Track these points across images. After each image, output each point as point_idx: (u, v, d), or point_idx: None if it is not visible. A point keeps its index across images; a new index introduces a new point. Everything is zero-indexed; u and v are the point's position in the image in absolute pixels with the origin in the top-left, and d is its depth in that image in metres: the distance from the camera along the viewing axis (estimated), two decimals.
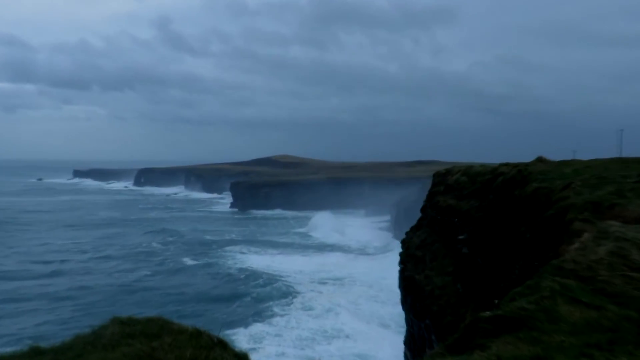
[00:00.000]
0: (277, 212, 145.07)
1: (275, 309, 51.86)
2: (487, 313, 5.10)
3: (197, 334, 6.38)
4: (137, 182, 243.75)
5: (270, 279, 64.11)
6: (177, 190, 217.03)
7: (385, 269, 67.91)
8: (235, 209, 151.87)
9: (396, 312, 42.29)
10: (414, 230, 28.04)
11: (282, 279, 64.36)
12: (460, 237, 18.99)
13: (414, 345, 21.86)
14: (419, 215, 29.57)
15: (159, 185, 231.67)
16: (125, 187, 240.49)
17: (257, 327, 46.31)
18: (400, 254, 26.74)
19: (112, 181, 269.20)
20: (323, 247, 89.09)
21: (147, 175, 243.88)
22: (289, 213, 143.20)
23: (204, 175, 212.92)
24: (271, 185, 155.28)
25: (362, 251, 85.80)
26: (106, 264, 73.52)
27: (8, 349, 6.56)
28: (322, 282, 62.32)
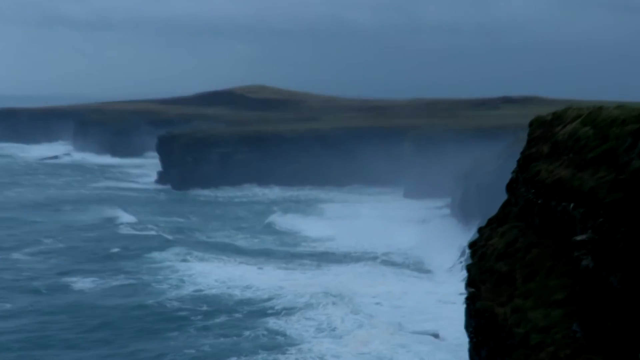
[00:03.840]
0: (245, 190, 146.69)
1: None
2: None
3: None
4: None
5: (238, 314, 65.70)
6: (61, 150, 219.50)
7: (442, 296, 70.50)
8: (167, 185, 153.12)
9: None
10: (493, 224, 28.87)
11: (260, 312, 65.95)
12: (580, 237, 19.05)
13: None
14: (501, 197, 30.60)
15: (26, 140, 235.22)
16: None
17: None
18: (469, 269, 27.65)
19: None
20: (328, 256, 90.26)
21: (7, 123, 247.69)
22: (267, 193, 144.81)
23: (108, 123, 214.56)
24: (234, 142, 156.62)
25: (398, 262, 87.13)
26: None
27: None
28: (332, 319, 63.96)
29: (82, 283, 77.43)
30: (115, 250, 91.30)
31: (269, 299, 70.24)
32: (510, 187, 29.71)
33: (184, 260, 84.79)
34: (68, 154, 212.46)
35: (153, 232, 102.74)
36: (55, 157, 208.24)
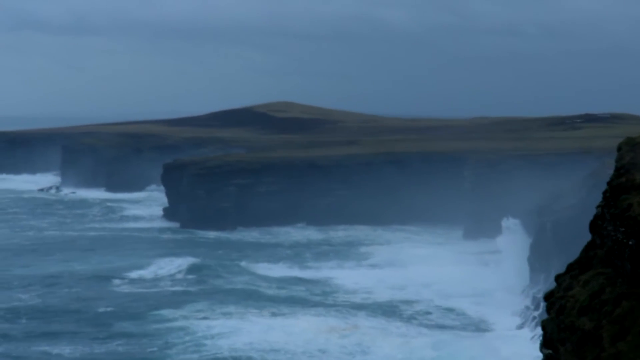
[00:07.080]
0: (268, 231, 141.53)
1: None
2: None
3: None
4: None
5: None
6: (46, 183, 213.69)
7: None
8: (174, 224, 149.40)
9: None
10: (574, 271, 29.66)
11: None
12: None
13: None
14: (584, 237, 31.58)
15: (3, 170, 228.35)
16: None
17: None
18: (544, 325, 28.38)
19: None
20: (366, 309, 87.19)
21: None
22: (295, 234, 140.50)
23: (102, 150, 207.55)
24: (255, 172, 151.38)
25: (452, 319, 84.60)
26: None
27: None
28: None
29: (60, 349, 72.54)
30: (110, 307, 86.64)
31: None
32: (595, 225, 30.28)
33: (203, 318, 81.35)
34: (55, 188, 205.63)
35: (161, 284, 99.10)
36: (40, 190, 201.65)
